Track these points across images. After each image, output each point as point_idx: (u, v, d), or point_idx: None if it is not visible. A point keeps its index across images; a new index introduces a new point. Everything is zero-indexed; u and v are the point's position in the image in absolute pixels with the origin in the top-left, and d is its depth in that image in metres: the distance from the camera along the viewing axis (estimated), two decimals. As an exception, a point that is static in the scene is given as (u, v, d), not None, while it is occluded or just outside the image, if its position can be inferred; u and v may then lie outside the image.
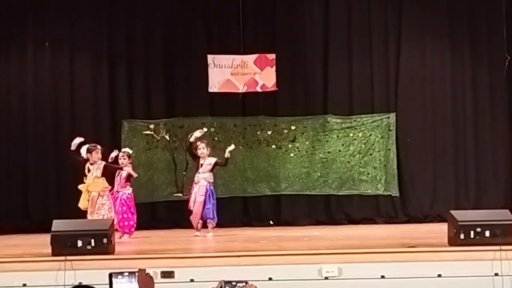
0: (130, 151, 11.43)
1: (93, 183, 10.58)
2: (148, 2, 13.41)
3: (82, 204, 10.59)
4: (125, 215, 10.99)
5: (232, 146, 11.47)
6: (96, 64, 13.39)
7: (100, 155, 10.69)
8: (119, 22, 13.42)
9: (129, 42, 13.40)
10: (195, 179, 11.14)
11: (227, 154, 11.25)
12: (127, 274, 4.52)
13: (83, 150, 10.67)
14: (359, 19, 13.43)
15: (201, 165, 11.14)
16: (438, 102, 13.36)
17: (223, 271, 7.07)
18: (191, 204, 11.07)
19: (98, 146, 10.77)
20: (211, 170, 11.18)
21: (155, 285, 4.40)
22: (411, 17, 13.34)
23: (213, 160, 11.22)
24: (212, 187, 11.16)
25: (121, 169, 11.01)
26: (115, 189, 11.04)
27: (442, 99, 13.35)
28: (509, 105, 13.18)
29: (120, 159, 11.11)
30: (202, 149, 11.16)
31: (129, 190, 11.18)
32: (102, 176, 10.72)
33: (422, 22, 13.35)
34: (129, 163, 11.19)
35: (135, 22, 13.42)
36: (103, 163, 10.81)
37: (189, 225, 11.24)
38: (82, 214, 10.46)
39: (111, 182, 10.99)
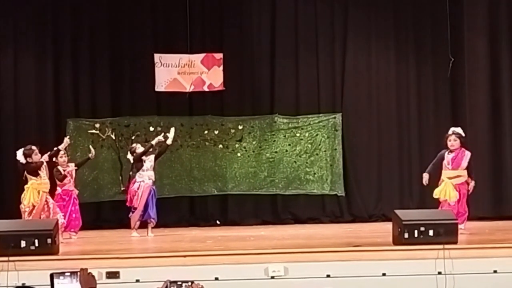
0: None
1: (46, 184, 10.40)
2: (94, 0, 13.27)
3: (32, 200, 10.33)
4: (77, 214, 10.94)
5: (172, 129, 11.52)
6: (41, 62, 13.20)
7: (39, 155, 10.45)
8: (65, 20, 13.23)
9: (74, 41, 13.24)
10: (137, 177, 11.06)
11: (169, 141, 11.31)
12: (68, 274, 4.48)
13: (20, 155, 10.35)
14: (305, 19, 13.50)
15: (144, 161, 11.09)
16: (383, 103, 13.51)
17: (169, 271, 7.04)
18: (135, 202, 10.99)
19: (33, 147, 10.48)
20: (154, 168, 11.17)
21: (100, 285, 4.37)
22: (357, 19, 13.47)
23: (152, 156, 11.22)
24: (154, 187, 11.15)
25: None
26: (68, 188, 10.92)
27: (387, 99, 13.51)
28: (452, 105, 13.39)
29: (62, 157, 10.95)
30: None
31: (76, 191, 11.12)
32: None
33: (368, 23, 13.49)
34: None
35: (81, 19, 13.26)
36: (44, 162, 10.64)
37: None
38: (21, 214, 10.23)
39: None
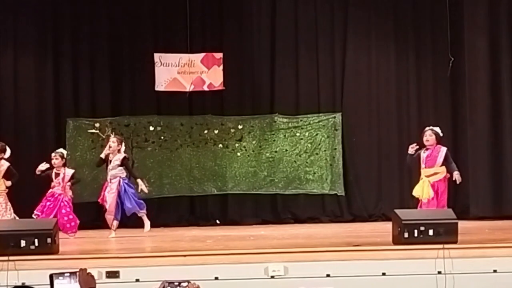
0: (64, 152, 11.19)
1: None
2: (94, 0, 13.27)
3: None
4: (70, 216, 10.77)
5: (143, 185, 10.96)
6: (40, 62, 13.20)
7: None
8: (65, 20, 13.25)
9: (74, 40, 13.24)
10: (107, 177, 10.77)
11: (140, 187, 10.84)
12: (68, 274, 4.48)
13: None
14: (305, 19, 13.50)
15: (110, 161, 10.74)
16: (383, 102, 13.51)
17: (169, 270, 7.04)
18: (104, 203, 10.70)
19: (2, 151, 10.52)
20: (121, 165, 10.71)
21: (100, 285, 4.37)
22: (357, 18, 13.46)
23: (121, 156, 10.79)
24: (126, 181, 10.68)
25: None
26: (57, 191, 10.78)
27: (387, 99, 13.51)
28: (452, 105, 13.38)
29: (53, 159, 10.84)
30: (112, 143, 10.78)
31: (69, 192, 10.90)
32: (3, 178, 10.57)
33: (368, 23, 13.49)
34: (63, 164, 11.01)
35: (81, 19, 13.26)
36: (7, 165, 10.61)
37: (134, 225, 11.17)
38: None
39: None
